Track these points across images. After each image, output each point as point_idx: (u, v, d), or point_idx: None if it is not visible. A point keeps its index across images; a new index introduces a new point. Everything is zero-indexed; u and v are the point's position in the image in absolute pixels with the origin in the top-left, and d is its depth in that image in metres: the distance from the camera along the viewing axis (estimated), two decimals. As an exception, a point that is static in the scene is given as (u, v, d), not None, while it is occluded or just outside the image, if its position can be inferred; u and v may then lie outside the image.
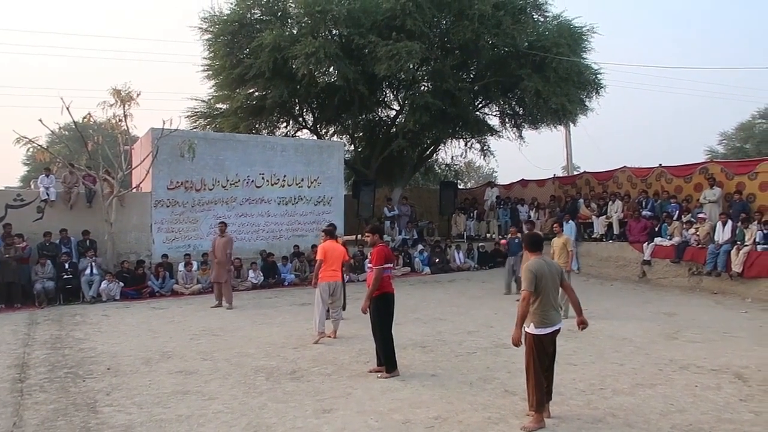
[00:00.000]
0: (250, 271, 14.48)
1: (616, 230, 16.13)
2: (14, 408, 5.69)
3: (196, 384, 6.39)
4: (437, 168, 25.29)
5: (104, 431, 5.07)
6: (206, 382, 6.44)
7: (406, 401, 5.71)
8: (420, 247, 17.94)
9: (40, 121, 12.86)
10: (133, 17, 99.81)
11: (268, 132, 21.07)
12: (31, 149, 15.44)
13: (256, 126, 20.49)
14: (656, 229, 14.77)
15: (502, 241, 15.74)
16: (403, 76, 18.87)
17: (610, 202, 16.77)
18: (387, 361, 6.60)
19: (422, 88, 19.53)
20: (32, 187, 16.73)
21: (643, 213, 15.68)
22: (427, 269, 17.01)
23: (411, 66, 17.55)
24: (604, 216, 16.66)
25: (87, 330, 9.53)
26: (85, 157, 14.84)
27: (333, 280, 8.42)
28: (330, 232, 8.80)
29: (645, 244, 14.67)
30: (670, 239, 14.28)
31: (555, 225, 11.43)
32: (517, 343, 5.09)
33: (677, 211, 14.93)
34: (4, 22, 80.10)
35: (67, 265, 12.61)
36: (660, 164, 16.94)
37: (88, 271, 12.61)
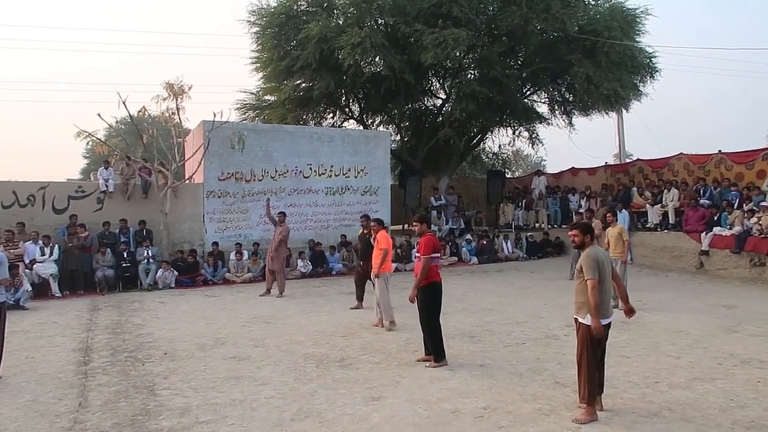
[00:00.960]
0: (299, 261, 14.72)
1: (671, 219, 15.58)
2: (79, 389, 5.98)
3: (249, 370, 6.56)
4: (484, 157, 25.02)
5: (163, 413, 5.26)
6: (258, 368, 6.61)
7: (455, 391, 5.70)
8: (467, 236, 17.82)
9: (99, 115, 13.40)
10: (186, 13, 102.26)
11: (315, 123, 21.31)
12: (90, 143, 16.11)
13: (304, 117, 20.76)
14: (715, 218, 14.19)
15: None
16: (449, 64, 18.70)
17: (666, 191, 16.20)
18: (435, 351, 6.61)
19: (469, 76, 19.32)
20: (92, 179, 17.45)
21: (701, 201, 15.09)
22: (474, 259, 16.89)
23: (457, 54, 17.36)
24: (659, 205, 16.11)
25: (145, 316, 9.92)
26: (141, 149, 15.38)
27: (391, 270, 8.85)
28: (382, 223, 9.07)
29: (703, 234, 14.12)
30: (730, 229, 13.69)
31: (608, 214, 11.11)
32: (598, 334, 4.88)
33: (738, 200, 14.29)
34: (68, 21, 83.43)
35: (125, 254, 13.14)
36: (719, 150, 16.25)
37: (145, 259, 13.10)
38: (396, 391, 5.71)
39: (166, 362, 6.93)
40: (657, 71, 19.40)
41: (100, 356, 7.30)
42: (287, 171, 15.99)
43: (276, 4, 18.60)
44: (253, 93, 21.39)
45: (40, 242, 12.34)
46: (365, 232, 10.04)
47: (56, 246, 12.44)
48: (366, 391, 5.72)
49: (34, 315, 10.11)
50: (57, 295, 12.11)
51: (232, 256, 14.17)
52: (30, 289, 11.29)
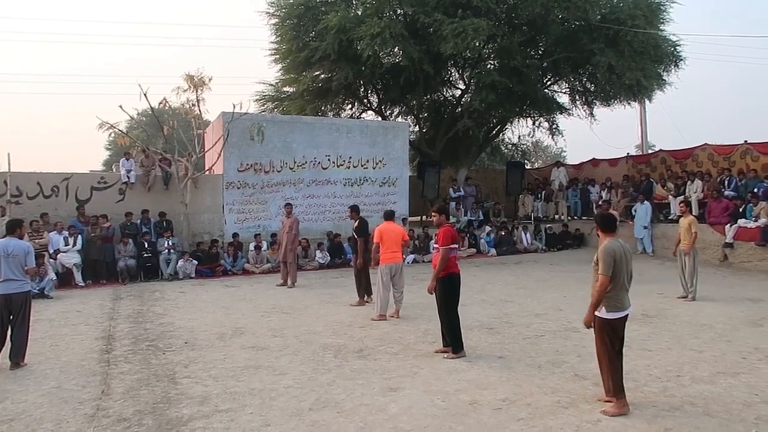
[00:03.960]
0: (317, 251, 14.78)
1: (695, 211, 15.31)
2: (102, 377, 6.09)
3: (268, 359, 6.61)
4: (504, 148, 24.82)
5: (183, 401, 5.33)
6: (277, 358, 6.65)
7: (473, 382, 5.68)
8: (486, 228, 17.71)
9: (120, 107, 13.53)
10: (206, 4, 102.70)
11: (333, 114, 21.30)
12: (112, 134, 16.32)
13: (322, 108, 20.76)
14: (740, 210, 13.90)
15: None
16: (468, 55, 18.53)
17: (689, 182, 15.91)
18: (453, 342, 6.59)
19: (488, 66, 19.12)
20: (114, 170, 17.68)
21: (726, 193, 14.80)
22: (493, 251, 16.80)
23: (477, 44, 17.19)
24: (682, 196, 15.83)
25: (166, 306, 10.05)
26: (162, 140, 15.52)
27: (393, 261, 8.61)
28: (388, 215, 9.02)
29: (727, 226, 13.85)
30: (756, 221, 13.41)
31: (681, 204, 10.87)
32: (588, 326, 4.96)
33: (763, 191, 13.97)
34: (87, 14, 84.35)
35: (146, 244, 13.31)
36: (745, 141, 15.90)
37: (165, 250, 13.25)
38: (414, 382, 5.71)
39: (187, 351, 7.02)
40: (681, 60, 19.02)
41: (122, 345, 7.41)
42: (306, 162, 16.02)
43: (295, -4, 18.58)
44: (272, 84, 21.44)
45: (65, 232, 12.55)
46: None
47: (79, 236, 12.63)
48: (384, 382, 5.73)
49: (58, 304, 10.29)
50: (80, 284, 12.32)
51: (251, 246, 14.27)
52: (54, 278, 11.49)
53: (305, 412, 5.01)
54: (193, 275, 13.22)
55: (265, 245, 14.36)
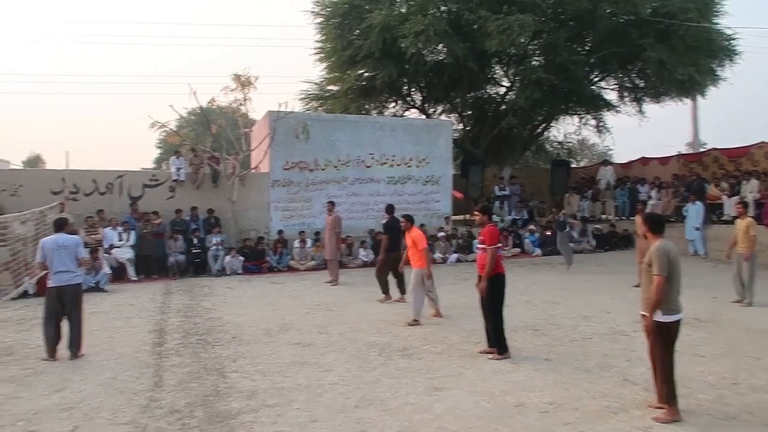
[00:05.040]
0: (361, 249, 14.87)
1: (751, 212, 14.70)
2: (155, 369, 6.30)
3: (313, 356, 6.70)
4: (549, 146, 24.41)
5: (232, 395, 5.46)
6: (322, 355, 6.74)
7: (519, 384, 5.63)
8: (531, 227, 17.47)
9: (171, 107, 13.94)
10: (253, 4, 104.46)
11: (377, 112, 21.39)
12: (163, 133, 16.82)
13: (366, 106, 20.88)
14: (800, 211, 13.28)
15: None
16: (513, 51, 18.29)
17: (744, 181, 15.29)
18: (498, 343, 6.54)
19: (534, 62, 18.84)
20: (165, 168, 18.21)
21: (785, 193, 14.15)
22: (538, 251, 16.55)
23: (522, 40, 16.95)
24: (737, 196, 15.22)
25: (214, 301, 10.31)
26: (210, 139, 15.91)
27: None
28: (411, 219, 8.89)
29: (786, 228, 13.25)
30: (818, 222, 12.78)
31: (738, 205, 10.40)
32: (650, 331, 4.82)
33: (827, 191, 13.32)
34: (144, 16, 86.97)
35: (196, 240, 13.68)
36: (807, 138, 15.18)
37: (214, 246, 13.59)
38: (458, 383, 5.70)
39: (235, 346, 7.18)
40: (736, 54, 18.30)
41: (173, 338, 7.65)
42: (350, 160, 16.14)
43: (339, -6, 18.73)
44: (317, 83, 21.69)
45: (119, 228, 13.02)
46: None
47: (132, 232, 13.08)
48: (428, 381, 5.74)
49: (112, 297, 10.70)
50: (133, 278, 12.76)
51: (296, 243, 14.49)
52: (109, 272, 11.94)
53: (351, 409, 5.06)
54: (240, 271, 13.51)
55: (309, 242, 14.55)
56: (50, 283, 6.78)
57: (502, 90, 20.90)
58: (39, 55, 79.00)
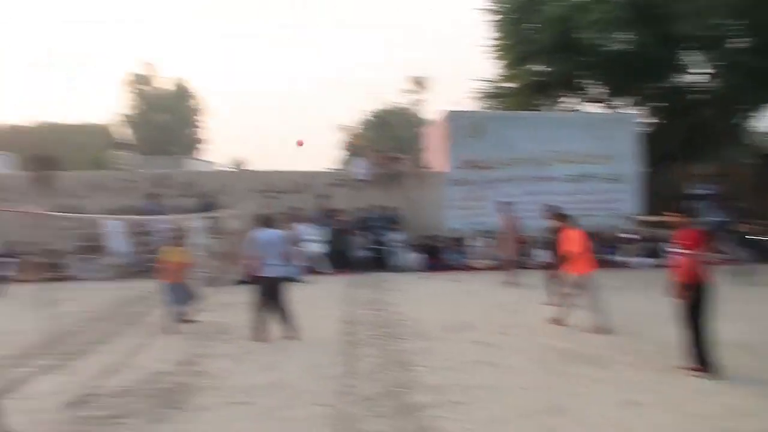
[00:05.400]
0: (538, 250, 14.48)
1: None
2: (348, 357, 6.81)
3: (496, 356, 6.73)
4: (754, 139, 21.47)
5: (418, 388, 5.70)
6: (505, 356, 6.74)
7: (729, 407, 5.11)
8: (733, 230, 15.55)
9: (354, 110, 14.88)
10: (428, 3, 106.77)
11: (554, 108, 20.61)
12: (346, 136, 18.02)
13: (542, 102, 20.23)
14: None
15: None
16: (709, 34, 16.41)
17: None
18: (701, 359, 5.97)
19: (735, 45, 16.72)
20: (349, 169, 19.48)
21: None
22: (743, 257, 14.67)
23: (720, 21, 15.11)
24: None
25: (397, 296, 10.82)
26: (389, 140, 16.68)
27: (587, 270, 7.95)
28: (565, 216, 8.33)
29: None
30: None
31: None
32: None
33: None
34: (331, 21, 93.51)
35: (378, 237, 14.45)
36: None
37: (394, 243, 14.25)
38: (655, 399, 5.33)
39: (419, 341, 7.48)
40: None
41: (362, 329, 8.19)
42: (526, 158, 15.81)
43: (517, -11, 18.41)
44: (492, 81, 21.53)
45: (312, 224, 14.24)
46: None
47: (323, 228, 14.22)
48: (620, 394, 5.45)
49: (308, 288, 11.66)
50: (324, 271, 13.85)
51: (472, 242, 14.58)
52: (304, 264, 13.09)
53: (538, 414, 5.01)
54: (419, 268, 13.97)
55: (485, 241, 14.56)
56: (260, 274, 7.66)
57: (697, 78, 18.88)
58: (228, 66, 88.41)
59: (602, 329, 7.72)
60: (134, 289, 11.30)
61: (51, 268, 12.24)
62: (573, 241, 7.94)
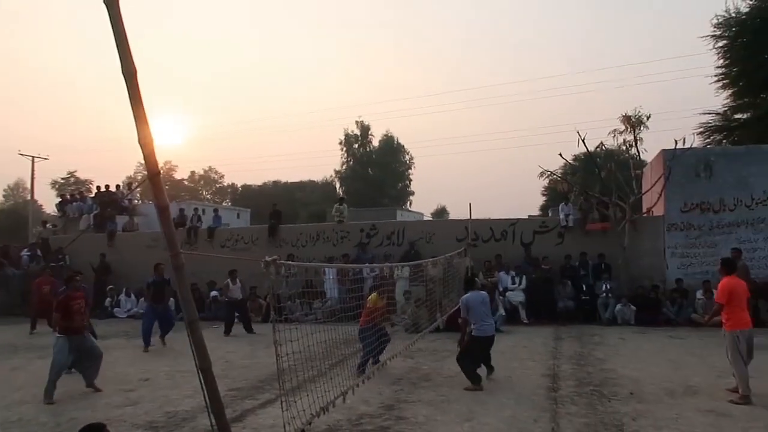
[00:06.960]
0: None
1: None
2: (551, 414, 6.34)
3: (731, 429, 5.70)
4: None
5: (632, 457, 5.06)
6: (743, 429, 5.67)
7: None
8: None
9: (560, 154, 14.34)
10: (639, 41, 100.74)
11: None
12: (550, 180, 17.38)
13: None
14: None
15: None
16: None
17: None
18: None
19: None
20: (552, 214, 18.74)
21: None
22: None
23: None
24: None
25: (606, 351, 9.90)
26: (598, 184, 15.68)
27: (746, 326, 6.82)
28: (729, 264, 7.05)
29: None
30: None
31: None
32: None
33: None
34: (477, 79, 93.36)
35: (584, 287, 13.50)
36: None
37: (603, 293, 13.16)
38: None
39: (633, 403, 6.68)
40: None
41: (566, 385, 7.61)
42: (767, 199, 13.58)
43: (748, 9, 16.36)
44: (719, 113, 19.18)
45: (512, 272, 13.87)
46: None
47: (524, 276, 13.75)
48: None
49: (507, 338, 11.30)
50: (524, 321, 13.32)
51: (698, 294, 12.79)
52: (503, 314, 12.76)
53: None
54: (632, 322, 12.69)
55: (712, 294, 12.67)
56: (475, 333, 7.72)
57: None
58: (440, 122, 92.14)
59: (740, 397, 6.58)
60: (344, 332, 12.02)
61: (275, 311, 13.66)
62: (719, 291, 6.88)
